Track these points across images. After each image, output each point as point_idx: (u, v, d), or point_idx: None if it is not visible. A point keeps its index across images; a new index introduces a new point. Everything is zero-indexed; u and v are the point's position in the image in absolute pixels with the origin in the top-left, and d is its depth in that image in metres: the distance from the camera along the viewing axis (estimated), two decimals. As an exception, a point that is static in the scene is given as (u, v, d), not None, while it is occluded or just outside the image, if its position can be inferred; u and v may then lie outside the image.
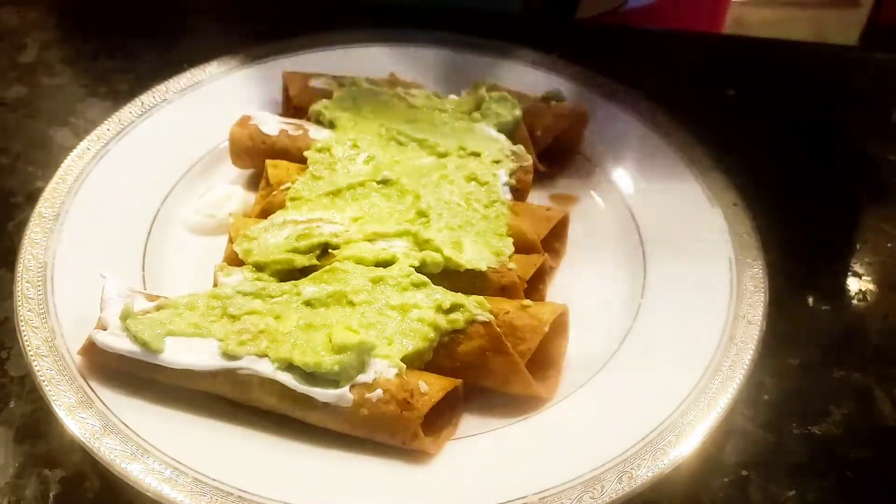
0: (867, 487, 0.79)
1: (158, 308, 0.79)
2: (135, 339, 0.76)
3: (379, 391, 0.74)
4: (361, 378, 0.74)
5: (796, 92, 1.26)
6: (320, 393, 0.74)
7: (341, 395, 0.73)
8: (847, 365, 0.88)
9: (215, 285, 0.84)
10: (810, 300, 0.95)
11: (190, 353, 0.76)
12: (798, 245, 1.01)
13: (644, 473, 0.71)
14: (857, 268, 0.99)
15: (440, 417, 0.77)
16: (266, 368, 0.75)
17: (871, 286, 0.97)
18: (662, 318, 0.86)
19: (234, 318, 0.78)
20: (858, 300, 0.96)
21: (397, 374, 0.75)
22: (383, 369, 0.75)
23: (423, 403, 0.74)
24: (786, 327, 0.91)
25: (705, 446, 0.74)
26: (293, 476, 0.72)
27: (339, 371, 0.74)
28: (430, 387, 0.75)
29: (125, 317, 0.78)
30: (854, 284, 0.97)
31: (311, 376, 0.74)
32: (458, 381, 0.78)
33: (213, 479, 0.70)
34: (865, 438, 0.82)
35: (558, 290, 0.92)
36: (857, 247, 1.02)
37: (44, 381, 0.76)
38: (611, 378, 0.81)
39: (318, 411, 0.74)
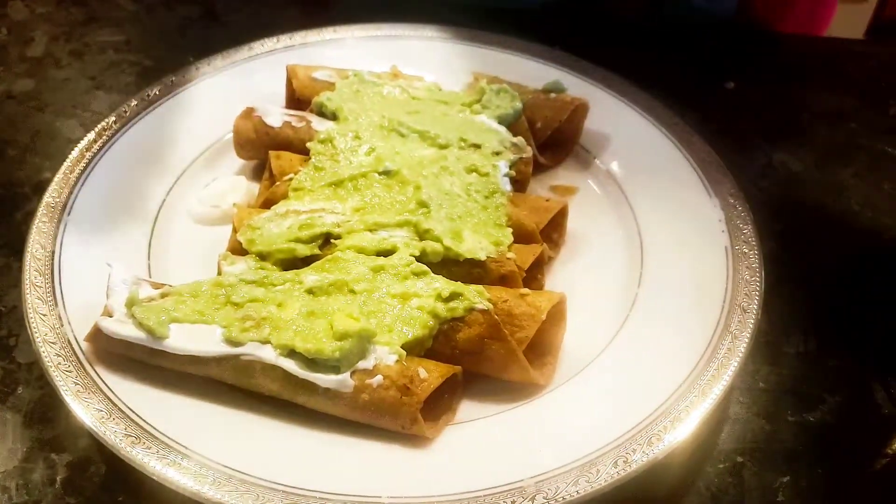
0: (860, 475, 0.80)
1: (163, 295, 0.81)
2: (140, 325, 0.78)
3: (379, 377, 0.75)
4: (362, 364, 0.76)
5: (796, 84, 1.26)
6: (322, 378, 0.75)
7: (342, 380, 0.75)
8: (841, 354, 0.89)
9: (219, 274, 0.85)
10: (806, 290, 0.96)
11: (194, 339, 0.77)
12: (794, 235, 1.02)
13: (639, 458, 0.72)
14: (855, 259, 1.00)
15: (439, 403, 0.78)
16: (268, 355, 0.76)
17: (867, 277, 0.98)
18: (659, 306, 0.87)
19: (237, 305, 0.80)
20: (854, 290, 0.96)
21: (397, 361, 0.76)
22: (383, 356, 0.76)
23: (423, 389, 0.75)
24: (781, 316, 0.92)
25: (701, 433, 0.75)
26: (294, 459, 0.74)
27: (339, 357, 0.75)
28: (430, 373, 0.76)
29: (130, 304, 0.79)
30: (851, 275, 0.98)
31: (313, 362, 0.76)
32: (458, 368, 0.79)
33: (216, 462, 0.71)
34: (859, 426, 0.83)
35: (557, 279, 0.93)
36: (855, 238, 1.03)
37: (51, 367, 0.77)
38: (607, 365, 0.82)
39: (319, 397, 0.76)
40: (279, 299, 0.80)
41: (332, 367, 0.75)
